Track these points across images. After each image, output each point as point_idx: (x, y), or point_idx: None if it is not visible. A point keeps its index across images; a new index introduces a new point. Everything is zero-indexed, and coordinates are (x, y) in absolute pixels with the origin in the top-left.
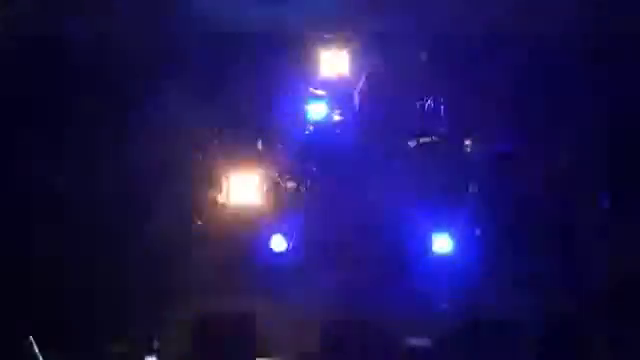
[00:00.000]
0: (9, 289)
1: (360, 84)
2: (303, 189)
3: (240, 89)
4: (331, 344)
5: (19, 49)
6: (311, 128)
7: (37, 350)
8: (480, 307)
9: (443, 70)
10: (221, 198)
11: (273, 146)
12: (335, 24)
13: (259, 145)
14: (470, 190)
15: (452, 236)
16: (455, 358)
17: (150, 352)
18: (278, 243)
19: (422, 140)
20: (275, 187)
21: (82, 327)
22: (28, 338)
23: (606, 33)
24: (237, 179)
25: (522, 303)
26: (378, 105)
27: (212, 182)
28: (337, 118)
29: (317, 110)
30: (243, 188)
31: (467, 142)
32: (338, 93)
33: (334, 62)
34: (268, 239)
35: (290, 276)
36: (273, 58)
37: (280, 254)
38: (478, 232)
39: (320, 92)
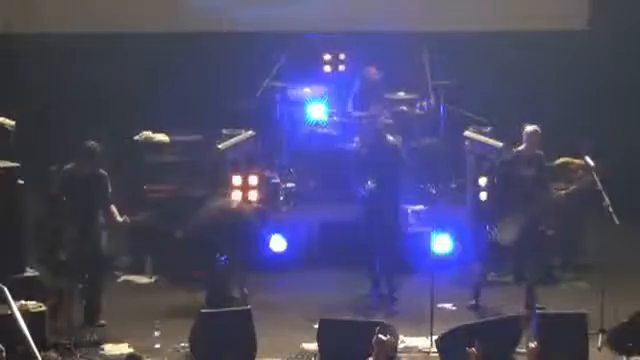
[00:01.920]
0: None
1: (359, 84)
2: (302, 189)
3: (239, 89)
4: (331, 344)
5: None
6: (311, 128)
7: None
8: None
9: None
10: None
11: (273, 146)
12: (335, 24)
13: (259, 145)
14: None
15: (452, 236)
16: (455, 358)
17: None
18: (278, 243)
19: (422, 140)
20: (275, 187)
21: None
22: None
23: None
24: (237, 179)
25: None
26: (377, 105)
27: (212, 182)
28: (336, 118)
29: (317, 110)
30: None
31: (467, 142)
32: (338, 93)
33: (334, 62)
34: (268, 239)
35: (290, 276)
36: (272, 58)
37: (280, 254)
38: None
39: (320, 91)
